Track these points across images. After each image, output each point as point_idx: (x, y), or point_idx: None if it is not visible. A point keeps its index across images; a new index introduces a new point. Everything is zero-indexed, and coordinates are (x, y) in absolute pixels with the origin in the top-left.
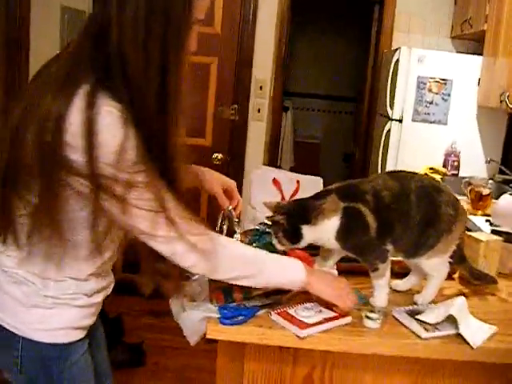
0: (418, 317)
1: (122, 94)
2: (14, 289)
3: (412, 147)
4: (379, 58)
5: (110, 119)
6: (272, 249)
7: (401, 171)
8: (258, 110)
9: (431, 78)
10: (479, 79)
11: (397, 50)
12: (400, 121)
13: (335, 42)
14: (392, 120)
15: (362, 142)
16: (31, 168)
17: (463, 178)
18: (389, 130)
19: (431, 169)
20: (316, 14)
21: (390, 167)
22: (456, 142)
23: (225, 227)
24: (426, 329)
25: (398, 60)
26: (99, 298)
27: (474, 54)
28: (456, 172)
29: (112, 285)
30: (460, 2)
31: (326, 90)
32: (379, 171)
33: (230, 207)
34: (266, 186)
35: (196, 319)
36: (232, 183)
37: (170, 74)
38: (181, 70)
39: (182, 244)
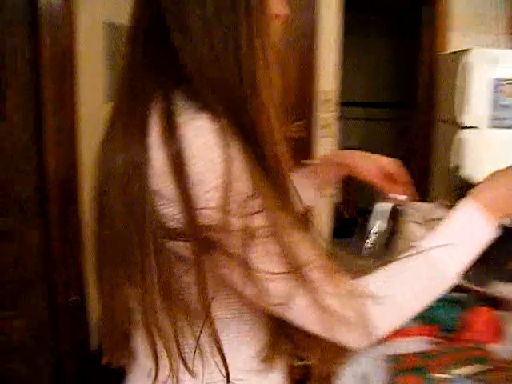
0: None
1: (203, 96)
2: None
3: (489, 155)
4: (433, 60)
5: (205, 138)
6: None
7: None
8: (325, 125)
9: (506, 80)
10: None
11: (465, 51)
12: (474, 128)
13: (375, 45)
14: (465, 128)
15: (418, 150)
16: (121, 247)
17: None
18: (460, 138)
19: None
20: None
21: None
22: None
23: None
24: None
25: (466, 63)
26: None
27: None
28: None
29: None
30: None
31: (363, 97)
32: (449, 181)
33: (400, 197)
34: None
35: None
36: (386, 161)
37: (259, 54)
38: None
39: (329, 312)
